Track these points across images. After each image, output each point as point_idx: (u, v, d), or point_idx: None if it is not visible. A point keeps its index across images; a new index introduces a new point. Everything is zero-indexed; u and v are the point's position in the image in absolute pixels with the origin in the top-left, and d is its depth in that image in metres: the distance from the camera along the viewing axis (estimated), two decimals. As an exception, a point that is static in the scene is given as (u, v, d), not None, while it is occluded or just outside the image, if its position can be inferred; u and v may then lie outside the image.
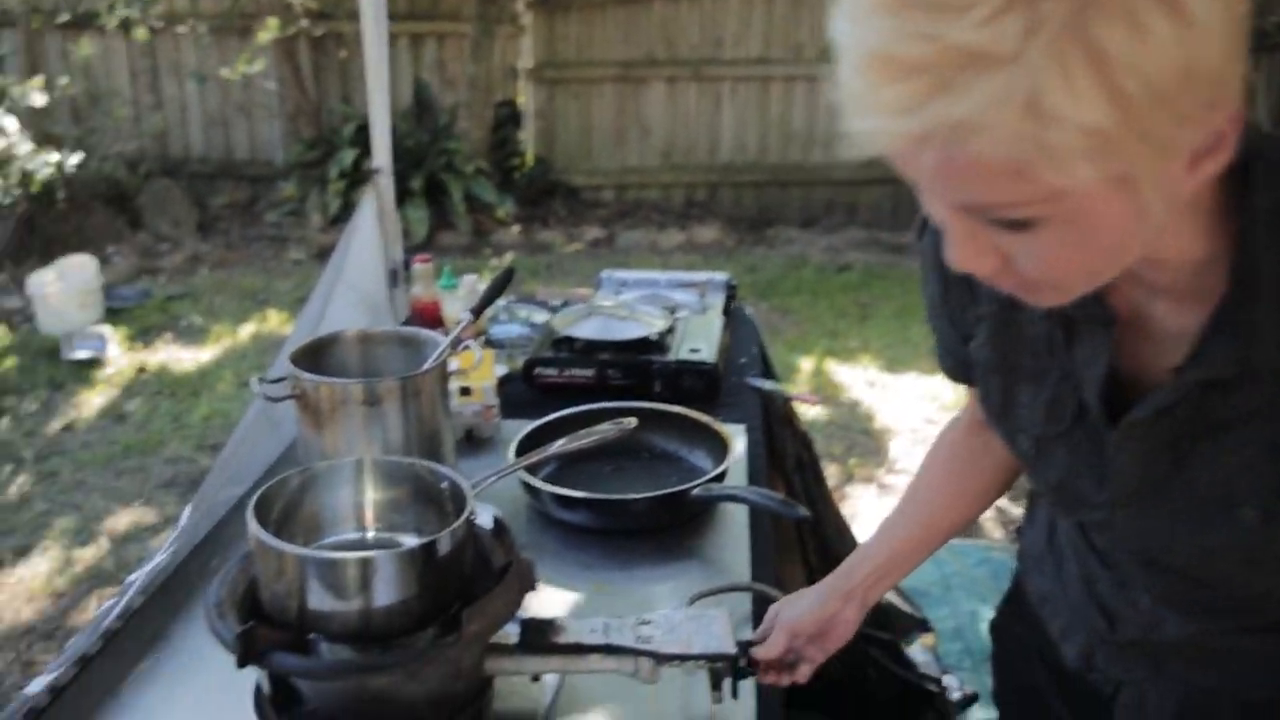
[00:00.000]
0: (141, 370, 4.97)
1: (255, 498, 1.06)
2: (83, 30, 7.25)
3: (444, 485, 1.15)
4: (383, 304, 2.51)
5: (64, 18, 7.15)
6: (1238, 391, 0.82)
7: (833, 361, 5.03)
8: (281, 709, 1.07)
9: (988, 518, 3.50)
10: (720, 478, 1.64)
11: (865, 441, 4.21)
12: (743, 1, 7.30)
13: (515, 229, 7.16)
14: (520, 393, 2.07)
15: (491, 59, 7.32)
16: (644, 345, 2.10)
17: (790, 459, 2.32)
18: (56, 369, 4.93)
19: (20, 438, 4.26)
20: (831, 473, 3.65)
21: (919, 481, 1.29)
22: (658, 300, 2.41)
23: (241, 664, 0.97)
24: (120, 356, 5.10)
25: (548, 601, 1.41)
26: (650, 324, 2.15)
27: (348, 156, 6.77)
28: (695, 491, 1.58)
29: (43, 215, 6.47)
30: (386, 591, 1.01)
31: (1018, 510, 3.23)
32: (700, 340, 2.14)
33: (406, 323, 2.41)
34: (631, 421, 1.39)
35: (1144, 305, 0.88)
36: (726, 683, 1.15)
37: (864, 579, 1.22)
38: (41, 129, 6.48)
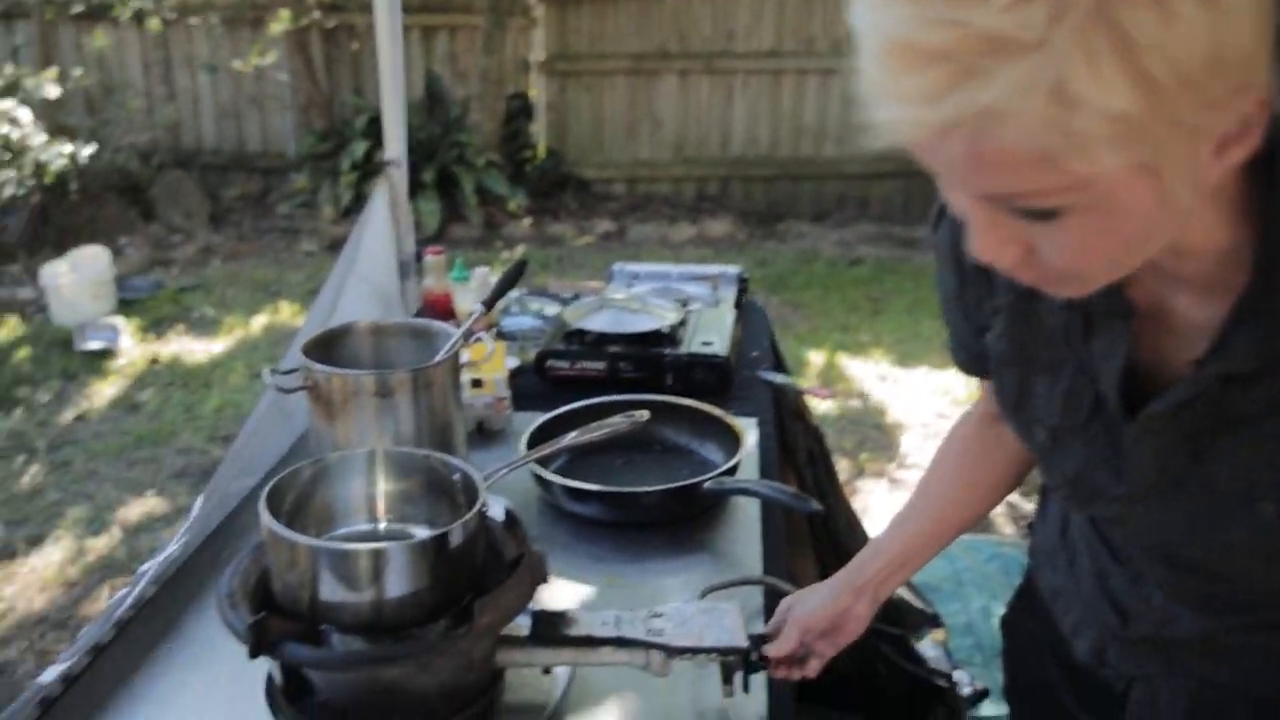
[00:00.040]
0: (154, 361, 4.98)
1: (268, 488, 1.07)
2: (96, 22, 7.27)
3: (456, 477, 1.15)
4: (394, 296, 2.50)
5: (78, 9, 7.17)
6: (1259, 384, 0.81)
7: (844, 356, 5.02)
8: (293, 699, 1.08)
9: (999, 513, 3.49)
10: (732, 471, 1.64)
11: (876, 436, 4.20)
12: (755, -5, 7.29)
13: (526, 222, 7.16)
14: (532, 385, 2.07)
15: (503, 51, 7.32)
16: (656, 338, 2.10)
17: (802, 453, 2.31)
18: (69, 359, 4.95)
19: (33, 428, 4.28)
20: (842, 467, 3.65)
21: (930, 476, 1.28)
22: (669, 293, 2.41)
23: (253, 654, 0.98)
24: (133, 347, 5.11)
25: (559, 594, 1.41)
26: (662, 317, 2.15)
27: (359, 148, 6.78)
28: (707, 485, 1.58)
29: (56, 206, 6.49)
30: (398, 583, 1.01)
31: (1029, 506, 3.22)
32: (712, 333, 2.14)
33: (418, 315, 2.41)
34: (644, 414, 1.38)
35: (1165, 296, 0.87)
36: (738, 676, 1.15)
37: (875, 574, 1.22)
38: (55, 120, 6.50)
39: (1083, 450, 0.96)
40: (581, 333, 2.12)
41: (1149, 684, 1.10)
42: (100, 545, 3.44)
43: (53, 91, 6.04)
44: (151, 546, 3.29)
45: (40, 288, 5.43)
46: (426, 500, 1.18)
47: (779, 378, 2.19)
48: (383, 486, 1.19)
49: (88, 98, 7.27)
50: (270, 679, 1.11)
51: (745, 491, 1.60)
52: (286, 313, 5.63)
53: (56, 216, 6.52)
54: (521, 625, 1.12)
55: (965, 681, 2.33)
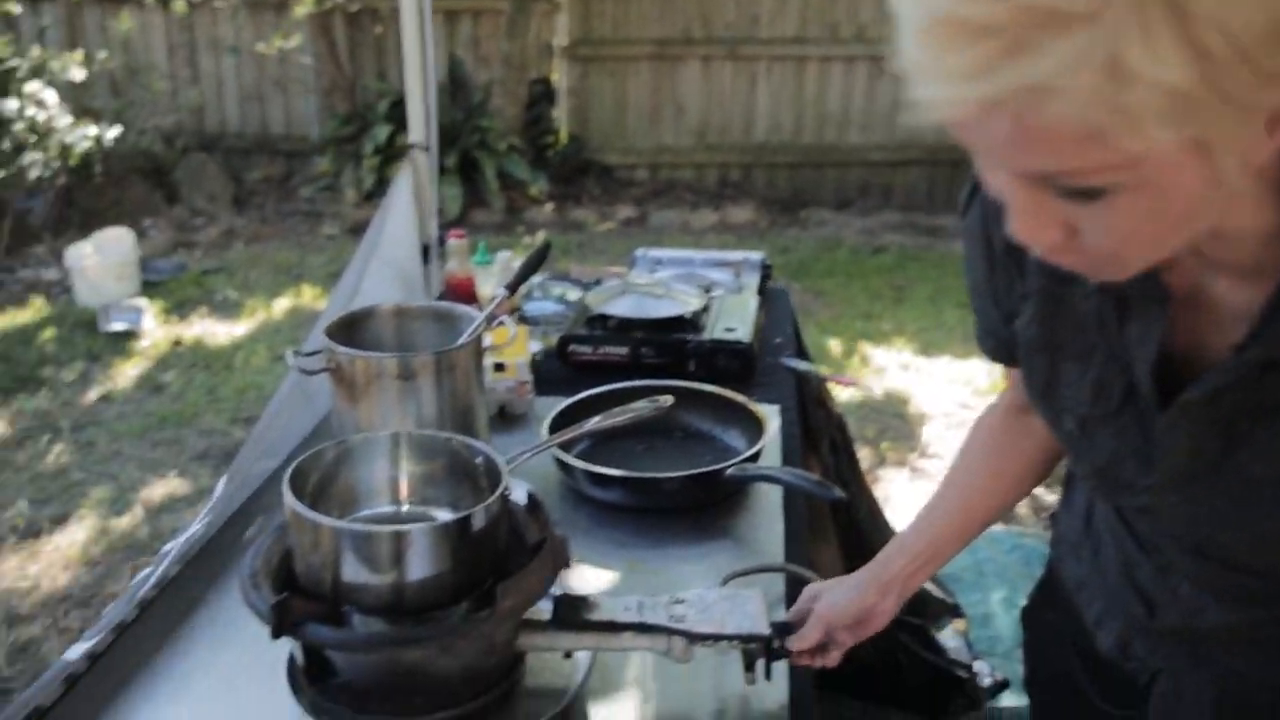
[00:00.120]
0: (177, 343, 5.01)
1: (291, 469, 1.06)
2: (122, 4, 7.29)
3: (479, 460, 1.15)
4: (417, 279, 2.50)
5: (103, -9, 7.20)
6: None
7: (866, 344, 5.00)
8: (314, 680, 1.08)
9: (1020, 504, 3.47)
10: (754, 458, 1.63)
11: (898, 425, 4.19)
12: (779, -20, 7.25)
13: (548, 207, 7.16)
14: (554, 370, 2.07)
15: (526, 36, 7.30)
16: (679, 324, 2.09)
17: (825, 440, 2.30)
18: (94, 341, 4.98)
19: (58, 408, 4.31)
20: (863, 456, 3.63)
21: (956, 468, 1.27)
22: (693, 279, 2.40)
23: (276, 635, 0.98)
24: (156, 329, 5.14)
25: (580, 579, 1.41)
26: (685, 302, 2.14)
27: (382, 132, 6.78)
28: (730, 471, 1.57)
29: (81, 189, 6.53)
30: (421, 565, 1.00)
31: (1051, 497, 3.20)
32: (735, 319, 2.13)
33: (440, 298, 2.41)
34: (668, 399, 1.38)
35: (1203, 280, 0.85)
36: (760, 664, 1.15)
37: (902, 570, 1.21)
38: (80, 102, 6.53)
39: (1113, 439, 0.95)
40: (604, 318, 2.12)
41: (1174, 676, 1.08)
42: (123, 525, 3.47)
43: (78, 74, 6.06)
44: (174, 527, 3.32)
45: (65, 269, 5.47)
46: (449, 483, 1.18)
47: (802, 365, 2.18)
48: (406, 469, 1.18)
49: (112, 80, 7.30)
50: (292, 659, 1.12)
51: (768, 478, 1.59)
52: (308, 296, 5.65)
53: (81, 199, 6.56)
54: (543, 609, 1.11)
55: (985, 672, 2.33)
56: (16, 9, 6.85)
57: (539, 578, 1.06)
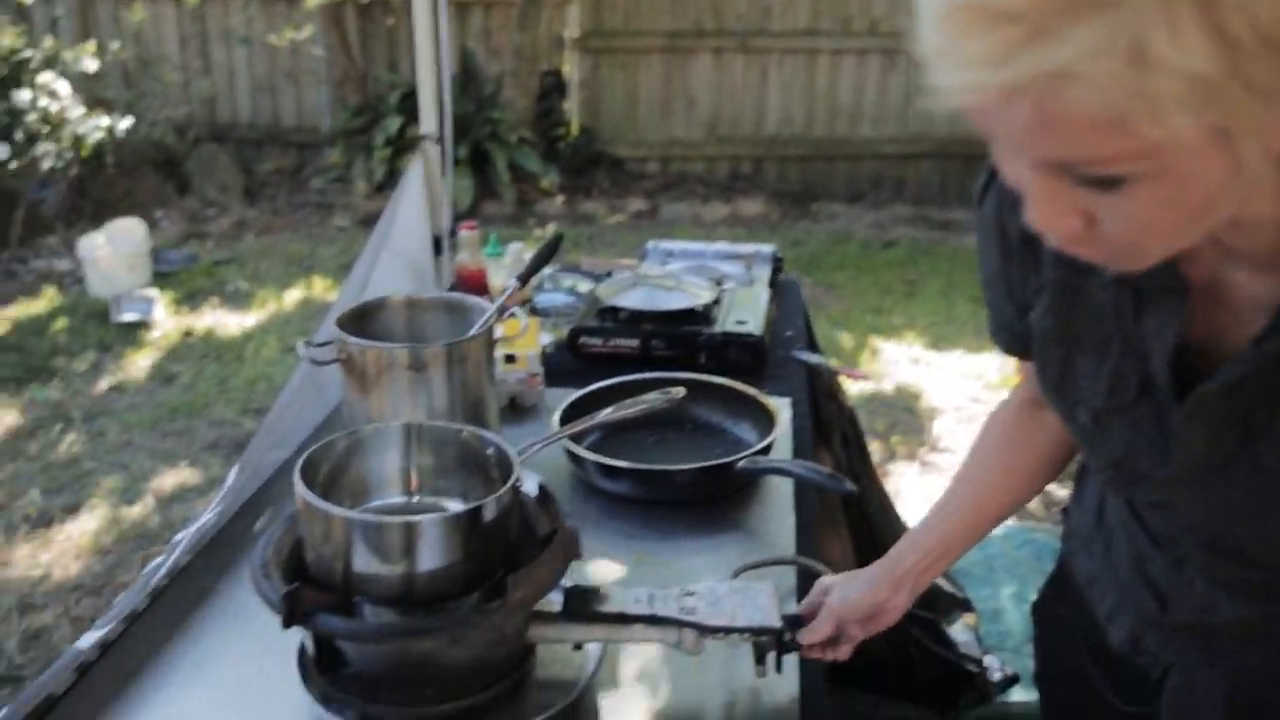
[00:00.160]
0: (188, 334, 5.02)
1: (302, 460, 1.06)
2: (134, -5, 7.31)
3: (490, 451, 1.15)
4: (428, 271, 2.50)
5: (116, -18, 7.21)
6: None
7: (877, 338, 4.98)
8: (325, 670, 1.08)
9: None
10: (765, 450, 1.63)
11: (908, 419, 4.17)
12: (791, -28, 7.22)
13: (559, 199, 7.15)
14: (564, 362, 2.06)
15: (538, 28, 7.28)
16: (690, 316, 2.09)
17: (836, 434, 2.30)
18: (105, 331, 5.00)
19: (70, 398, 4.33)
20: (873, 450, 3.62)
21: (969, 464, 1.26)
22: (704, 271, 2.39)
23: (287, 625, 0.98)
24: (167, 320, 5.16)
25: (590, 570, 1.40)
26: (696, 295, 2.13)
27: (393, 124, 6.78)
28: (741, 464, 1.57)
29: (93, 179, 6.55)
30: (431, 556, 1.01)
31: (1063, 492, 3.19)
32: (746, 312, 2.12)
33: (451, 290, 2.41)
34: (680, 391, 1.37)
35: (1221, 272, 0.85)
36: (770, 657, 1.15)
37: (914, 565, 1.20)
38: (93, 93, 6.54)
39: (1128, 432, 0.94)
40: (615, 310, 2.11)
41: (1186, 671, 1.08)
42: (134, 514, 3.48)
43: (91, 65, 6.07)
44: (184, 517, 3.33)
45: (77, 259, 5.49)
46: (460, 474, 1.18)
47: (814, 358, 2.17)
48: (417, 460, 1.19)
49: (125, 71, 7.32)
50: (302, 649, 1.12)
51: (779, 471, 1.59)
52: (319, 287, 5.66)
53: (93, 189, 6.58)
54: (553, 601, 1.11)
55: (995, 667, 2.32)
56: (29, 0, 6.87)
57: (550, 569, 1.06)
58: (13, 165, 5.60)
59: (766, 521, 1.56)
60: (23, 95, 5.59)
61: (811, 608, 1.20)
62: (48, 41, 5.98)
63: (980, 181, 1.02)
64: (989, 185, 1.01)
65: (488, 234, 2.47)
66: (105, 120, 6.01)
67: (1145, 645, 1.11)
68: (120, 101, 6.78)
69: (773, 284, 2.41)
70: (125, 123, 6.17)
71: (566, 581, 1.11)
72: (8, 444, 3.95)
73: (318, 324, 1.71)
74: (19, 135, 5.60)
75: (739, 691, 1.19)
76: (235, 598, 1.35)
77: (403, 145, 6.59)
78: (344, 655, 1.07)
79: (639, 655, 1.23)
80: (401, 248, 2.26)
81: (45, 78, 5.74)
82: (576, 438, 1.62)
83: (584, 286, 2.45)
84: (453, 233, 2.49)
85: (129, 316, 5.07)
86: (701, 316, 2.09)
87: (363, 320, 1.58)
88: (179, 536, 1.41)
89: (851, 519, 2.30)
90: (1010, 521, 3.23)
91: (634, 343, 2.05)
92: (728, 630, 1.11)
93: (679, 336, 2.04)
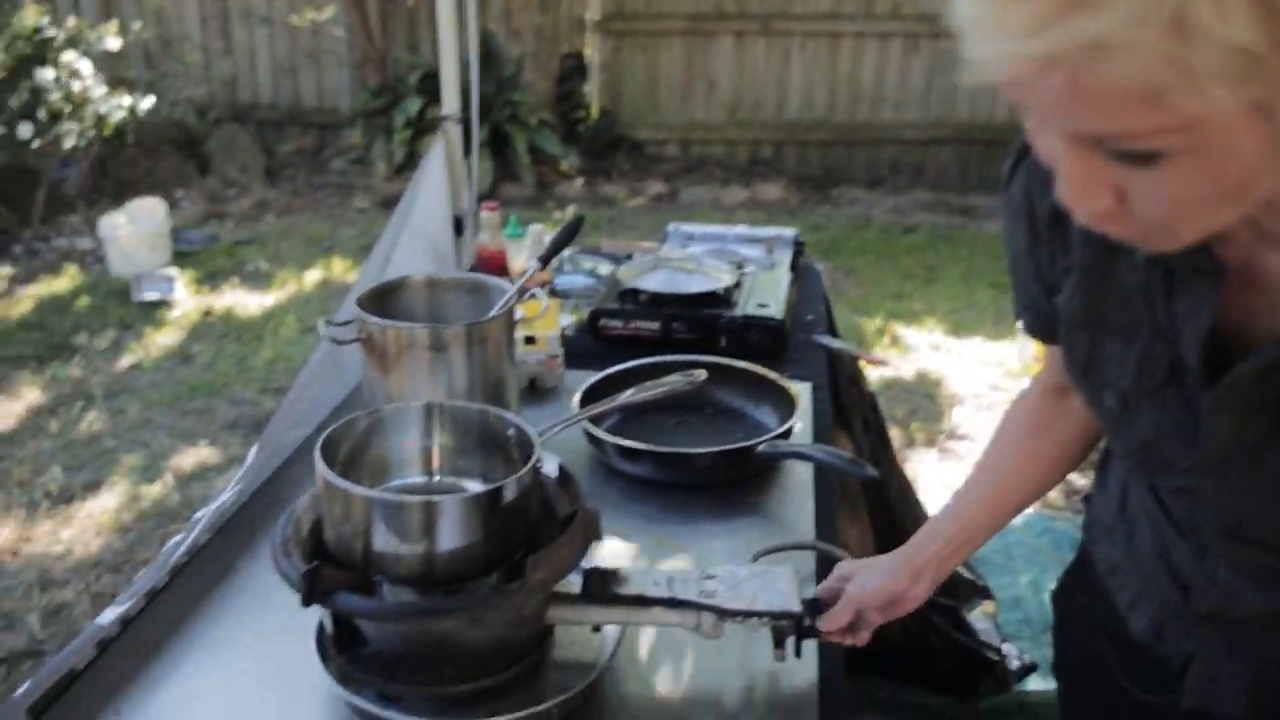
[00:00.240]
0: (208, 313, 5.04)
1: (323, 438, 1.06)
2: (156, -26, 7.32)
3: (511, 432, 1.15)
4: (448, 252, 2.50)
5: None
6: None
7: (897, 324, 4.96)
8: (343, 649, 1.08)
9: (1051, 486, 3.44)
10: (786, 435, 1.62)
11: (927, 406, 4.16)
12: (815, -45, 7.17)
13: (578, 182, 7.14)
14: (584, 344, 2.06)
15: (559, 10, 7.26)
16: (710, 299, 2.08)
17: (857, 419, 2.29)
18: (126, 310, 5.03)
19: (91, 376, 4.35)
20: (892, 436, 3.61)
21: (991, 451, 1.25)
22: (725, 254, 2.38)
23: (306, 603, 0.98)
24: (187, 299, 5.18)
25: (608, 553, 1.40)
26: (717, 278, 2.12)
27: (413, 105, 6.78)
28: (761, 448, 1.56)
29: (114, 158, 6.57)
30: (451, 536, 1.00)
31: (1083, 481, 3.17)
32: (767, 296, 2.11)
33: (472, 271, 2.41)
34: (701, 374, 1.37)
35: (1256, 254, 0.83)
36: (790, 641, 1.14)
37: (935, 554, 1.19)
38: (115, 73, 6.55)
39: (1155, 416, 0.93)
40: (635, 292, 2.11)
41: (1208, 661, 1.07)
42: (154, 492, 3.50)
43: (113, 44, 6.08)
44: (204, 495, 3.35)
45: (99, 238, 5.51)
46: (481, 455, 1.18)
47: (835, 342, 2.16)
48: (438, 440, 1.18)
49: (146, 51, 7.33)
50: (321, 628, 1.12)
51: (800, 455, 1.58)
52: (338, 268, 5.67)
53: (115, 169, 6.60)
54: (573, 583, 1.11)
55: (1014, 655, 2.31)
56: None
57: (569, 551, 1.05)
58: (35, 144, 5.63)
59: (786, 506, 1.56)
60: (46, 74, 5.61)
61: (830, 592, 1.20)
62: (71, 21, 5.99)
63: (1008, 161, 1.01)
64: (1017, 165, 0.99)
65: (507, 216, 2.47)
66: (127, 100, 6.02)
67: (1167, 634, 1.10)
68: (142, 81, 6.80)
69: (794, 268, 2.40)
70: (147, 102, 6.18)
71: (586, 563, 1.11)
72: (30, 421, 3.98)
73: (337, 305, 1.72)
74: (42, 114, 5.62)
75: (757, 676, 1.18)
76: (255, 576, 1.36)
77: (423, 127, 6.58)
78: (363, 634, 1.07)
79: (657, 638, 1.23)
80: (422, 228, 2.26)
81: (68, 57, 5.75)
82: (596, 420, 1.62)
83: (604, 269, 2.44)
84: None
85: (150, 295, 5.10)
86: (722, 300, 2.08)
87: (383, 300, 1.58)
88: (199, 514, 1.42)
89: (871, 504, 2.29)
90: (1029, 509, 3.24)
91: (654, 325, 2.05)
92: (747, 614, 1.11)
93: (699, 319, 2.03)
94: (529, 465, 1.05)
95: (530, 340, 1.86)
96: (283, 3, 7.37)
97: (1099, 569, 1.22)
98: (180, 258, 5.63)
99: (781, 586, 1.14)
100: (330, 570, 1.00)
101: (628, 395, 1.38)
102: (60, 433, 3.89)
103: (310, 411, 1.71)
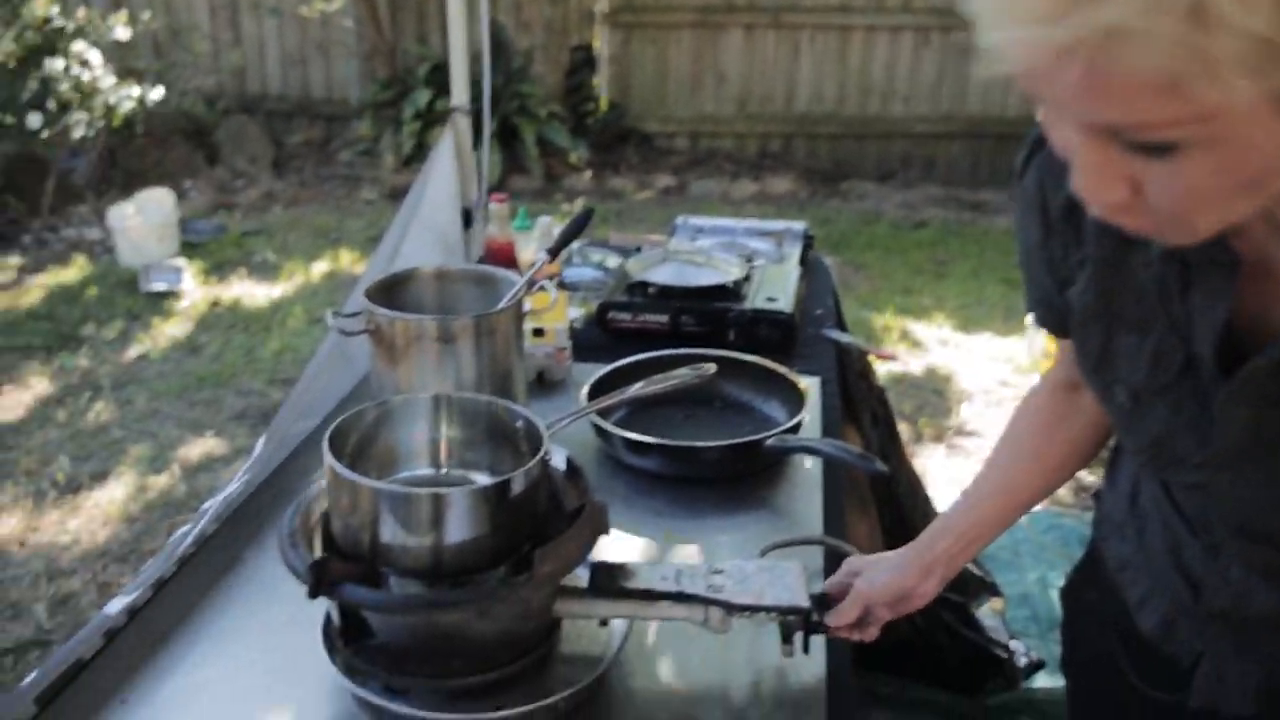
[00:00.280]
0: (215, 304, 5.05)
1: (331, 430, 1.06)
2: (165, -35, 7.31)
3: (519, 425, 1.14)
4: (457, 243, 2.50)
5: (148, -48, 7.22)
6: None
7: (906, 319, 4.95)
8: (350, 641, 1.08)
9: (1059, 483, 3.43)
10: (795, 429, 1.61)
11: (936, 401, 4.15)
12: (825, -52, 7.15)
13: (587, 174, 7.13)
14: (592, 336, 2.05)
15: (568, 2, 7.25)
16: (719, 292, 2.07)
17: (866, 413, 2.28)
18: (134, 300, 5.03)
19: (99, 366, 4.36)
20: (900, 431, 3.60)
21: (1001, 447, 1.24)
22: (734, 248, 2.37)
23: (313, 595, 0.97)
24: (195, 290, 5.19)
25: (616, 546, 1.40)
26: (726, 271, 2.12)
27: (422, 97, 6.77)
28: (770, 442, 1.55)
29: (123, 149, 6.58)
30: (459, 528, 1.00)
31: (1091, 478, 3.17)
32: (777, 289, 2.10)
33: (480, 262, 2.40)
34: (711, 367, 1.36)
35: (1271, 247, 0.82)
36: (798, 636, 1.14)
37: (945, 551, 1.18)
38: (124, 63, 6.56)
39: (1167, 412, 0.92)
40: (644, 285, 2.10)
41: (1218, 659, 1.06)
42: (161, 483, 3.50)
43: (123, 34, 6.08)
44: (211, 486, 3.35)
45: (107, 229, 5.52)
46: (489, 447, 1.17)
47: (844, 337, 2.15)
48: (446, 432, 1.18)
49: (155, 41, 7.33)
50: (328, 620, 1.12)
51: (809, 450, 1.57)
52: (346, 260, 5.67)
53: (123, 159, 6.61)
54: (580, 576, 1.10)
55: (1022, 651, 2.31)
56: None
57: (577, 544, 1.05)
58: (45, 134, 5.63)
59: (794, 500, 1.55)
60: (56, 64, 5.62)
61: (838, 587, 1.19)
62: (80, 11, 5.99)
63: (1021, 154, 1.00)
64: (1030, 157, 0.99)
65: (516, 208, 2.46)
66: (136, 90, 6.02)
67: (1177, 632, 1.09)
68: (151, 71, 6.80)
69: (803, 262, 2.39)
70: (156, 93, 6.18)
71: (593, 557, 1.10)
72: (37, 411, 3.99)
73: (344, 296, 1.71)
74: (51, 104, 5.63)
75: (765, 671, 1.18)
76: (262, 567, 1.36)
77: (431, 119, 6.58)
78: (369, 627, 1.07)
79: (665, 632, 1.22)
80: (431, 220, 2.25)
81: (78, 47, 5.75)
82: (604, 413, 1.61)
83: (613, 261, 2.43)
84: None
85: (158, 286, 5.10)
86: (731, 293, 2.07)
87: (392, 291, 1.58)
88: (206, 505, 1.42)
89: (880, 499, 2.28)
90: (1038, 506, 3.23)
91: (663, 318, 2.04)
92: (755, 609, 1.10)
93: (708, 313, 2.02)
94: (537, 458, 1.05)
95: (539, 333, 1.85)
96: (292, -7, 7.37)
97: (1109, 565, 1.21)
98: (188, 248, 5.64)
99: (789, 581, 1.14)
100: (337, 562, 1.00)
101: (636, 388, 1.37)
102: (68, 423, 3.90)
103: (318, 403, 1.71)
